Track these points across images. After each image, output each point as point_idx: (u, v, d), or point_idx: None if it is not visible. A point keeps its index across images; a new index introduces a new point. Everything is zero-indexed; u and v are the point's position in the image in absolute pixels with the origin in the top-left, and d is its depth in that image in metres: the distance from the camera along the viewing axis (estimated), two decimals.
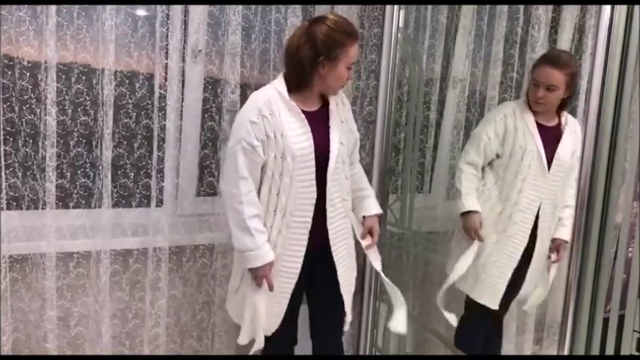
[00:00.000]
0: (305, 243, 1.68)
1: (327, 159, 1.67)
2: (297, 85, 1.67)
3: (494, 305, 2.08)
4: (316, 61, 1.62)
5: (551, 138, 2.06)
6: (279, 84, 1.67)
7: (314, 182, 1.66)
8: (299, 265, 1.69)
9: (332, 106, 1.73)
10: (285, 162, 1.61)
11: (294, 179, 1.63)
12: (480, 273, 2.07)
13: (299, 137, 1.63)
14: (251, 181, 1.61)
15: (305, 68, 1.63)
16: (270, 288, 1.64)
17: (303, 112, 1.67)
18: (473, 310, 2.14)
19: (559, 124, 2.10)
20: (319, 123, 1.69)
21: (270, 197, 1.64)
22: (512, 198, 2.03)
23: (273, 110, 1.61)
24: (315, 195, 1.66)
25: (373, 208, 1.87)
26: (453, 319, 2.04)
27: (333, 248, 1.72)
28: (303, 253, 1.68)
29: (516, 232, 2.05)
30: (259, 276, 1.63)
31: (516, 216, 2.04)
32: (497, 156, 2.08)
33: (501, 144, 2.05)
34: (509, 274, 2.06)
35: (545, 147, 2.03)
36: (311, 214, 1.67)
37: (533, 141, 2.02)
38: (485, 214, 2.06)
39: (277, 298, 1.70)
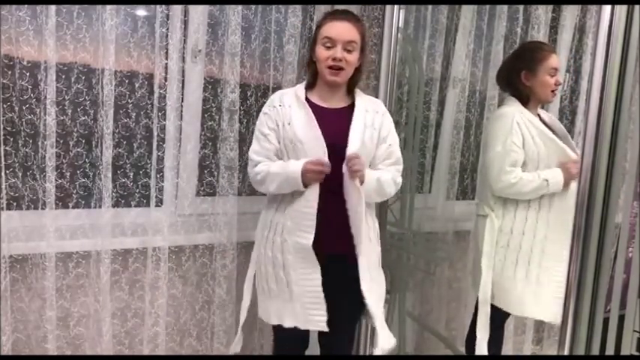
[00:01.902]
0: (312, 227, 1.64)
1: (344, 151, 1.66)
2: (310, 81, 1.78)
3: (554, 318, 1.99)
4: (310, 52, 1.76)
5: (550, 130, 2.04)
6: (300, 84, 1.81)
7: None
8: (309, 241, 1.64)
9: (357, 109, 1.75)
10: (294, 146, 1.69)
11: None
12: (543, 289, 1.98)
13: (303, 125, 1.68)
14: (260, 160, 1.74)
15: (308, 59, 1.79)
16: (323, 164, 1.62)
17: (321, 107, 1.74)
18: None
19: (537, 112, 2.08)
20: (338, 118, 1.73)
21: None
22: (545, 204, 1.99)
23: (283, 102, 1.74)
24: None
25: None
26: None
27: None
28: (312, 235, 1.64)
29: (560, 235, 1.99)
30: (313, 173, 1.63)
31: (553, 219, 2.00)
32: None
33: (523, 153, 1.98)
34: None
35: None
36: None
37: (554, 140, 1.98)
38: (527, 226, 1.99)
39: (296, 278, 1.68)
